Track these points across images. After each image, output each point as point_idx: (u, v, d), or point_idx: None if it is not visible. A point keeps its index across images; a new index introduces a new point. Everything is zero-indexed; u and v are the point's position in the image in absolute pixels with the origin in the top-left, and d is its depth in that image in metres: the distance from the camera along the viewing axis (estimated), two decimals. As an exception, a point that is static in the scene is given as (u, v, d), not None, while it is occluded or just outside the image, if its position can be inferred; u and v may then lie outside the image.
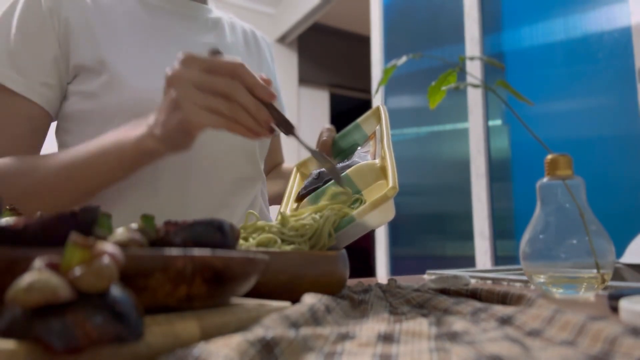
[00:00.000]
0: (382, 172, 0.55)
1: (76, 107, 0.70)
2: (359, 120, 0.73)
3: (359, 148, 0.67)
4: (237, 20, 0.92)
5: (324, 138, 0.72)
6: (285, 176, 0.96)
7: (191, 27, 0.80)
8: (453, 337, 0.27)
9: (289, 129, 0.54)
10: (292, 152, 3.45)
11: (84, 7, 0.71)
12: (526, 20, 1.69)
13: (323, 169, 0.60)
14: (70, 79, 0.70)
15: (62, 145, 0.74)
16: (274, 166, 1.03)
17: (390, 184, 0.49)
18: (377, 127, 0.65)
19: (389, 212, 0.51)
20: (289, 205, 0.63)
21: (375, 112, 0.70)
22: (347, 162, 0.61)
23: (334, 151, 0.73)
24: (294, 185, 0.69)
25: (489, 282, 0.65)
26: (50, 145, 0.73)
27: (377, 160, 0.57)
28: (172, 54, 0.74)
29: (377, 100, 2.39)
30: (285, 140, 1.07)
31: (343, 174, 0.56)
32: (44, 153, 0.69)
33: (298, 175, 0.73)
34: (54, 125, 0.75)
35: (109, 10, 0.73)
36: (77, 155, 0.61)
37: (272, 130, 0.53)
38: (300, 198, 0.61)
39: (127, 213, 0.67)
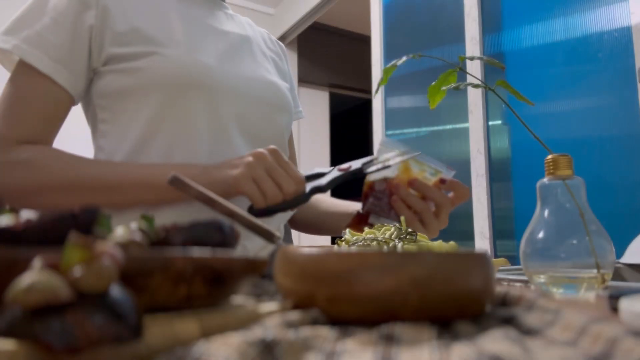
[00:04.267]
0: None
1: (115, 84, 0.72)
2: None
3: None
4: (252, 23, 0.98)
5: None
6: None
7: (217, 18, 0.86)
8: (453, 336, 0.27)
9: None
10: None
11: None
12: (526, 20, 1.69)
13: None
14: (102, 63, 0.73)
15: (95, 121, 0.76)
16: None
17: None
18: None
19: None
20: None
21: None
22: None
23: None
24: None
25: (489, 282, 0.65)
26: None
27: None
28: (206, 38, 0.80)
29: (377, 100, 2.39)
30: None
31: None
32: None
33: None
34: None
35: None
36: (116, 179, 0.67)
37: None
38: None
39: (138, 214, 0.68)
